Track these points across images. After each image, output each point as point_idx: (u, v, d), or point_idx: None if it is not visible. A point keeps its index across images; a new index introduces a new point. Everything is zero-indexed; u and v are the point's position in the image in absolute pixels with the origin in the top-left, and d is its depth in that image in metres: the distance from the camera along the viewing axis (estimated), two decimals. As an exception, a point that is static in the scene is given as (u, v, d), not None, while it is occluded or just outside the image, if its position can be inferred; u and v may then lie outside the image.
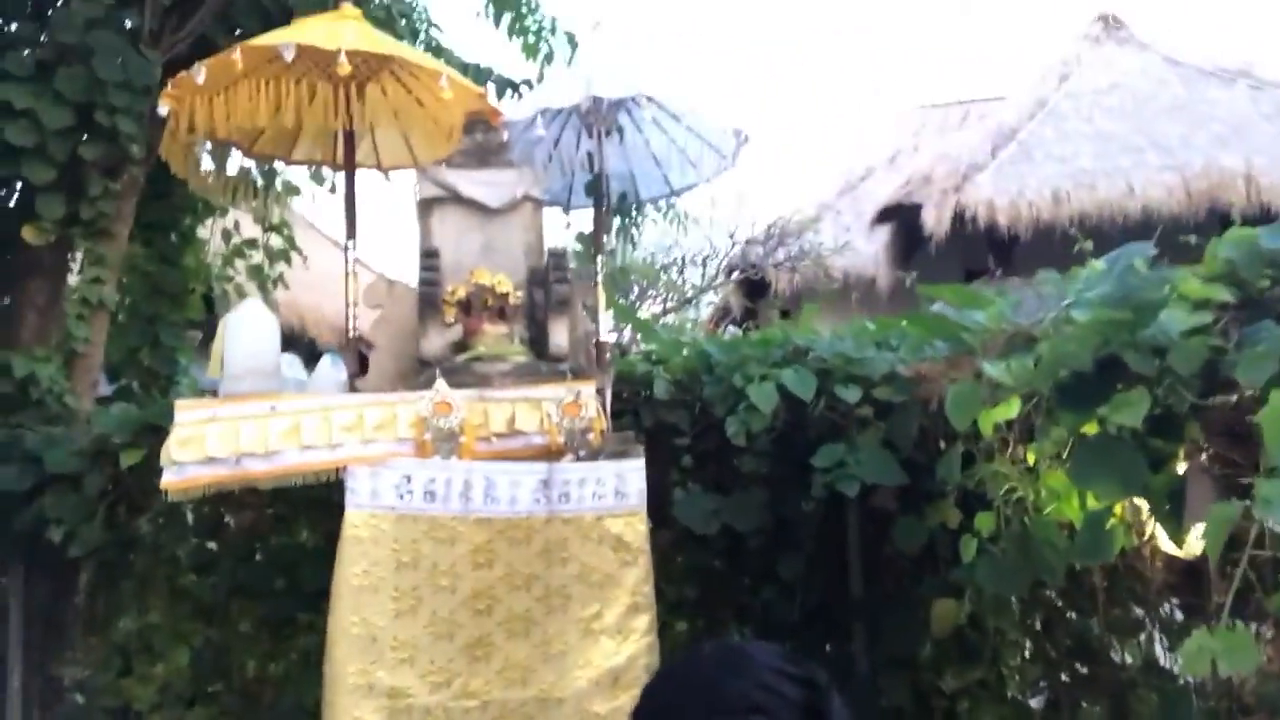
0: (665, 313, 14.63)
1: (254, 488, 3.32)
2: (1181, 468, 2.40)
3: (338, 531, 3.08)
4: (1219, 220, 10.93)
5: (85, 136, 4.93)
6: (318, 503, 4.10)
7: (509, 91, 5.88)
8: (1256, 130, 12.43)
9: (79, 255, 5.39)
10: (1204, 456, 2.34)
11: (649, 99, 3.60)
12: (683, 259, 14.50)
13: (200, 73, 3.23)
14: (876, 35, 46.29)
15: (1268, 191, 11.38)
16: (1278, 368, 2.02)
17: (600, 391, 3.43)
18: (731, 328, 12.79)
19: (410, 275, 3.60)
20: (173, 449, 2.94)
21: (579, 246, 4.59)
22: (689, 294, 15.00)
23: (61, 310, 5.33)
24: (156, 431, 4.24)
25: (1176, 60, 14.08)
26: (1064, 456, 2.62)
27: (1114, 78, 13.98)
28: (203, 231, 6.30)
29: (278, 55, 3.23)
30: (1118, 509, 2.56)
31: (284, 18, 5.61)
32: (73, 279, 5.44)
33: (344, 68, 3.20)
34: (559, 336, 3.43)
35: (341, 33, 3.28)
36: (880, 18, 45.40)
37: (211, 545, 4.38)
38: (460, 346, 3.45)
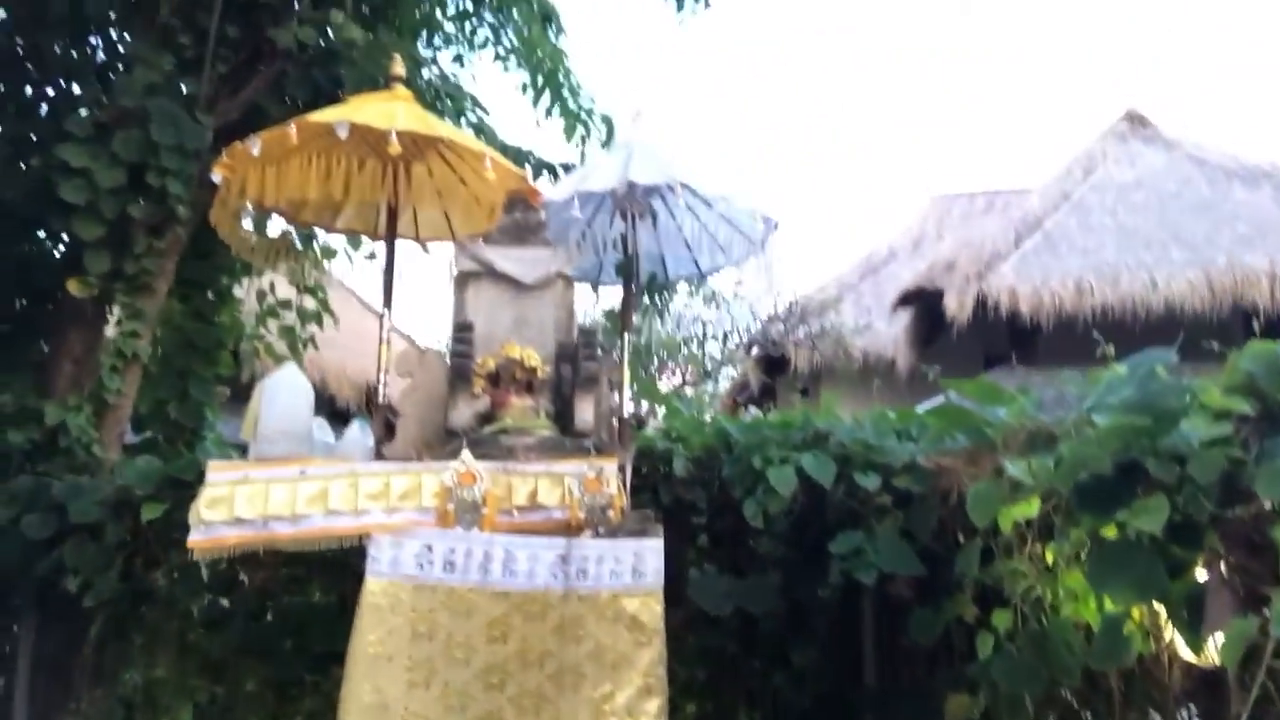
0: (684, 385, 14.71)
1: (273, 550, 3.36)
2: (1201, 576, 2.41)
3: (350, 595, 3.11)
4: (1243, 318, 10.94)
5: (135, 195, 5.10)
6: (332, 565, 4.15)
7: (545, 173, 6.05)
8: (1281, 233, 12.50)
9: (116, 308, 5.53)
10: (1224, 566, 2.35)
11: (683, 185, 3.70)
12: (704, 332, 14.66)
13: (255, 144, 3.38)
14: (907, 122, 47.06)
15: (1294, 296, 11.39)
16: (1294, 484, 2.05)
17: (621, 468, 3.47)
18: (751, 406, 12.82)
19: (433, 341, 3.69)
20: (202, 509, 3.00)
21: (607, 323, 4.67)
22: (709, 368, 15.10)
23: (96, 361, 5.45)
24: (179, 485, 4.31)
25: (1201, 159, 14.24)
26: (1082, 558, 2.63)
27: (1139, 173, 14.14)
28: (238, 290, 6.45)
29: (332, 132, 3.37)
30: (1135, 614, 2.56)
31: (333, 89, 5.85)
32: (109, 330, 5.57)
33: (395, 147, 3.33)
34: (585, 412, 3.49)
35: (394, 113, 3.42)
36: (911, 105, 46.23)
37: (224, 602, 4.40)
38: (487, 418, 3.51)
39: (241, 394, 7.07)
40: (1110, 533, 2.48)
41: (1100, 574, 2.46)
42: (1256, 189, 13.45)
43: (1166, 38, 43.63)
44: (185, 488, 4.29)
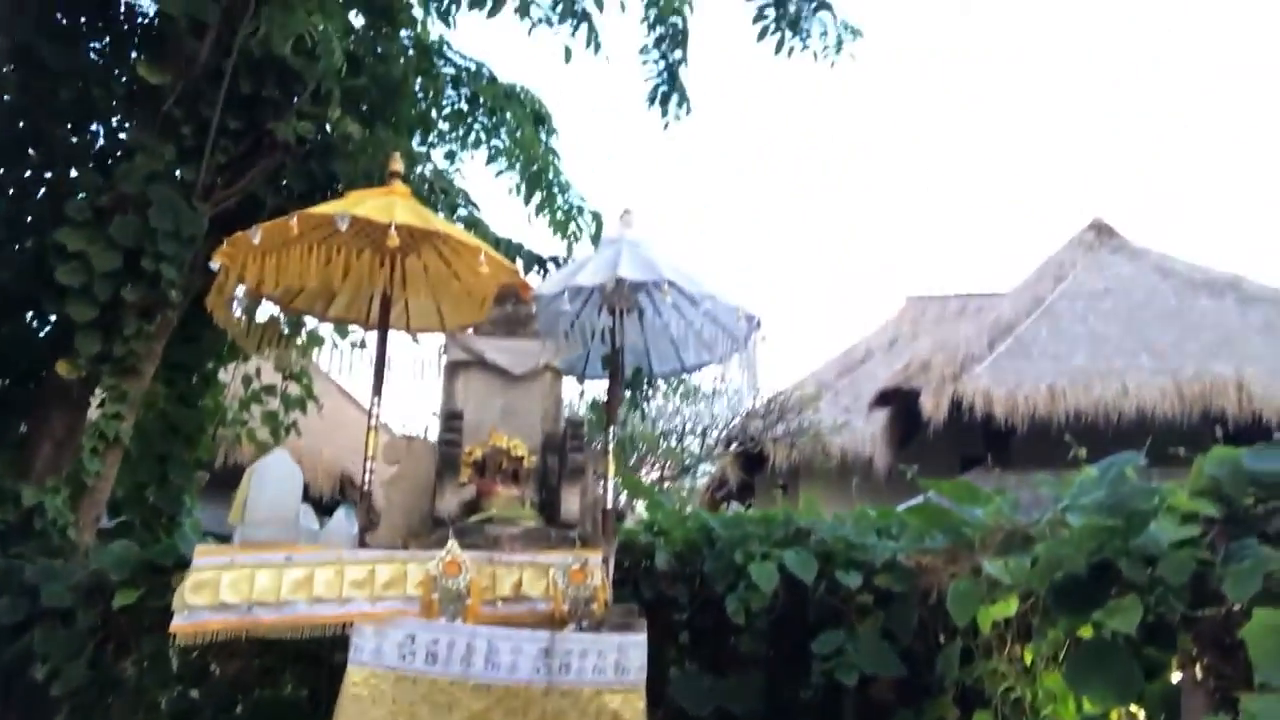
0: (663, 480, 14.69)
1: (245, 637, 3.33)
2: (1175, 677, 2.45)
3: (323, 689, 3.07)
4: (1211, 425, 11.16)
5: (129, 279, 5.17)
6: (306, 657, 4.09)
7: (536, 266, 6.20)
8: (1247, 341, 12.87)
9: (100, 390, 5.54)
10: (1197, 667, 2.40)
11: (671, 284, 3.81)
12: (683, 427, 14.71)
13: (257, 234, 3.47)
14: (883, 224, 48.36)
15: (1259, 400, 11.67)
16: (1262, 585, 2.11)
17: (605, 560, 3.49)
18: (732, 502, 12.83)
19: (414, 430, 3.73)
20: (187, 593, 2.99)
21: (592, 415, 4.73)
22: (687, 462, 15.11)
23: (77, 443, 5.43)
24: (156, 571, 4.27)
25: (1168, 269, 14.72)
26: (1060, 658, 2.67)
27: (1108, 282, 14.57)
28: (222, 374, 6.48)
29: (332, 224, 3.48)
30: (1114, 715, 2.59)
31: (329, 182, 6.01)
32: (91, 412, 5.57)
33: (393, 240, 3.44)
34: (570, 503, 3.52)
35: (393, 208, 3.54)
36: (887, 207, 47.61)
37: (194, 693, 4.31)
38: (472, 507, 3.53)
39: (219, 481, 7.04)
40: (1086, 633, 2.53)
41: (1078, 675, 2.50)
42: (1221, 299, 13.88)
43: (1130, 147, 45.41)
44: (161, 574, 4.25)
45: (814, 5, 6.04)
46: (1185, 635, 2.39)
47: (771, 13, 6.07)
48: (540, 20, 6.64)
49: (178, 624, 2.99)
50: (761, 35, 6.07)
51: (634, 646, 3.18)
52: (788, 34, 6.04)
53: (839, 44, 6.00)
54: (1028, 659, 2.85)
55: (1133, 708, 2.55)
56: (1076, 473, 2.94)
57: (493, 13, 6.42)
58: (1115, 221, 15.85)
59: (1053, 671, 2.75)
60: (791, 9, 6.03)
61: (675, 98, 6.50)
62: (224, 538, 3.95)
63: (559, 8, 6.62)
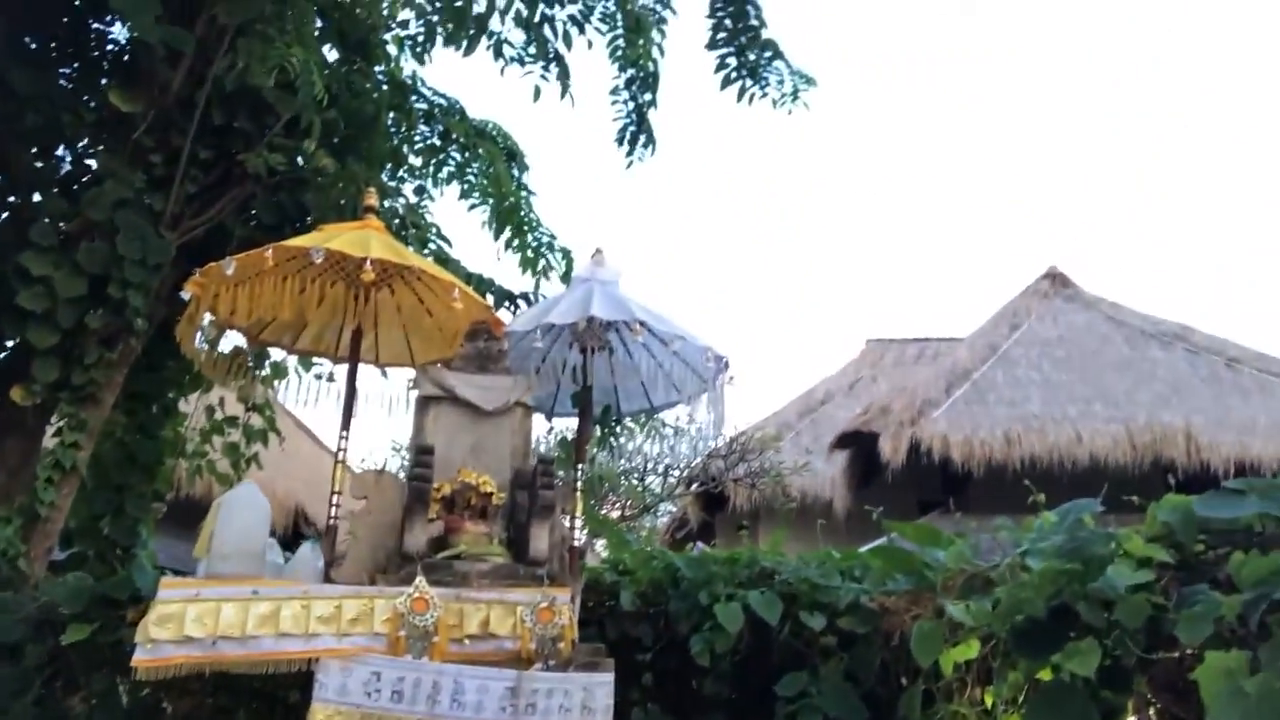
0: (624, 518, 14.64)
1: (199, 674, 3.28)
2: (1131, 720, 2.52)
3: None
4: (1163, 473, 11.43)
5: (93, 306, 5.11)
6: (260, 695, 4.01)
7: (506, 303, 6.23)
8: (1195, 392, 13.22)
9: (57, 418, 5.44)
10: (1152, 710, 2.46)
11: (641, 323, 3.87)
12: (645, 465, 14.70)
13: (230, 265, 3.47)
14: (847, 268, 49.08)
15: (1206, 450, 11.98)
16: (1213, 629, 2.19)
17: (572, 599, 3.49)
18: (698, 543, 12.82)
19: (376, 463, 3.72)
20: (150, 627, 2.94)
21: (560, 453, 4.74)
22: (648, 501, 15.08)
23: (32, 472, 5.32)
24: (109, 605, 4.16)
25: (1120, 319, 15.11)
26: (1020, 701, 2.72)
27: (1061, 331, 14.92)
28: (183, 405, 6.39)
29: (306, 256, 3.49)
30: (1072, 757, 2.63)
31: (299, 214, 6.01)
32: (47, 440, 5.46)
33: (368, 274, 3.46)
34: (540, 541, 3.52)
35: (368, 242, 3.56)
36: (852, 253, 48.42)
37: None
38: (440, 543, 3.53)
39: (174, 513, 6.90)
40: (1046, 675, 2.58)
41: (1037, 717, 2.55)
42: (1170, 350, 14.26)
43: (1084, 197, 46.64)
44: (115, 607, 4.14)
45: (769, 55, 6.23)
46: (1141, 678, 2.46)
47: (733, 61, 6.24)
48: (513, 59, 6.74)
49: (139, 658, 2.94)
50: (725, 84, 6.23)
51: (600, 686, 3.18)
52: (748, 82, 6.22)
53: (795, 92, 6.19)
54: (989, 702, 2.90)
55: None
56: (1035, 518, 3.02)
57: (468, 51, 6.51)
58: (1070, 269, 16.30)
59: (1012, 714, 2.80)
60: (751, 58, 6.21)
61: (643, 138, 6.62)
62: (180, 571, 3.88)
63: (531, 48, 6.73)
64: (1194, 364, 13.91)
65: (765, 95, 6.21)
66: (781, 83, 6.22)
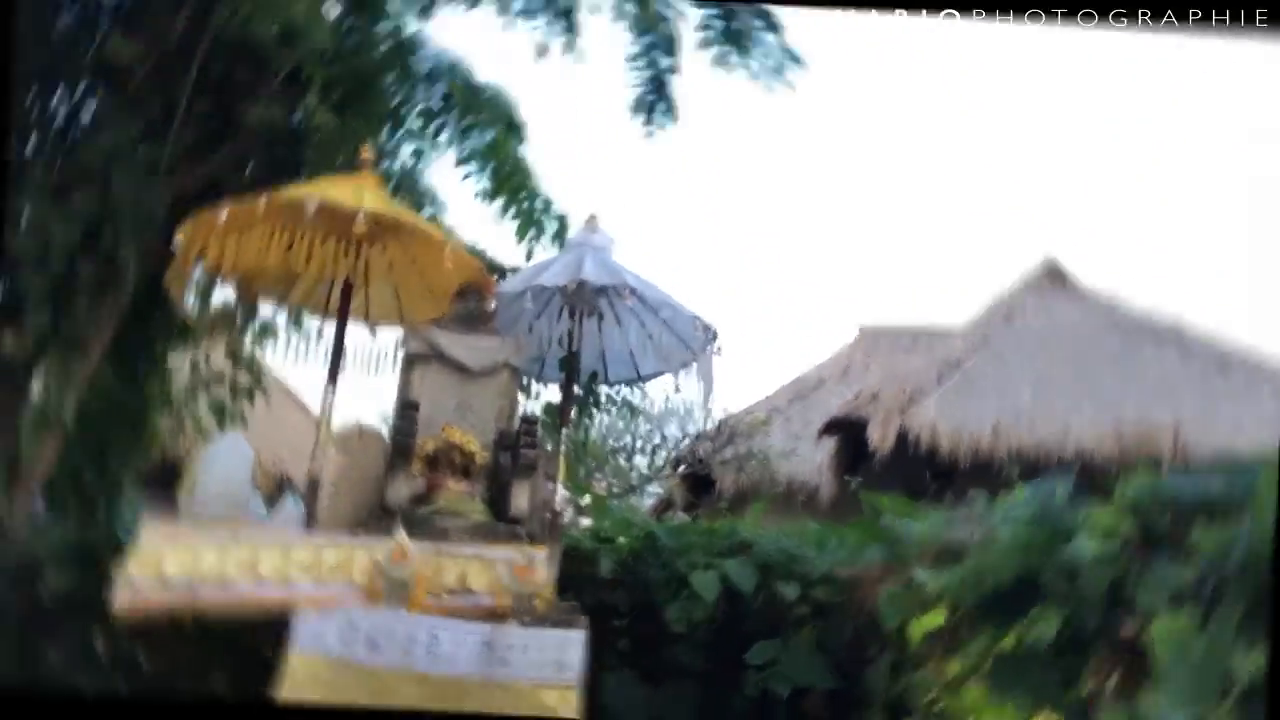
0: (610, 497, 14.63)
1: (178, 626, 3.27)
2: (1090, 685, 2.54)
3: (255, 681, 2.99)
4: (1149, 469, 11.46)
5: (85, 253, 5.08)
6: (237, 649, 3.96)
7: (497, 276, 6.15)
8: (1185, 392, 13.23)
9: (43, 368, 5.40)
10: (1112, 676, 2.49)
11: (631, 290, 3.88)
12: (632, 445, 14.68)
13: (222, 214, 3.46)
14: (845, 252, 48.99)
15: (1193, 450, 12.00)
16: (1170, 597, 2.23)
17: (550, 559, 3.51)
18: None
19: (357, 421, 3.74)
20: (130, 566, 2.95)
21: (545, 417, 4.76)
22: (634, 481, 15.09)
23: (14, 423, 5.29)
24: (89, 556, 4.14)
25: (1113, 314, 15.09)
26: (984, 670, 2.75)
27: (1054, 323, 14.90)
28: (170, 361, 6.34)
29: (299, 207, 3.48)
30: (1033, 721, 2.66)
31: (294, 170, 5.95)
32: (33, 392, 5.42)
33: (361, 227, 3.45)
34: (520, 500, 3.55)
35: (362, 194, 3.55)
36: (850, 238, 48.31)
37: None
38: (421, 499, 3.55)
39: (156, 474, 6.85)
40: (1009, 644, 2.61)
41: (1000, 683, 2.59)
42: (1163, 347, 14.26)
43: (1084, 188, 46.53)
44: (95, 559, 4.13)
45: (761, 25, 5.97)
46: (1101, 644, 2.49)
47: (719, 24, 6.00)
48: (519, 13, 6.51)
49: (120, 600, 2.95)
50: (703, 45, 5.96)
51: (573, 644, 3.21)
52: (729, 48, 5.94)
53: (779, 68, 5.92)
54: (956, 671, 2.93)
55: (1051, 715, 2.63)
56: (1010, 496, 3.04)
57: (473, 4, 6.36)
58: (1067, 261, 16.24)
59: (976, 683, 2.83)
60: (739, 24, 5.94)
61: (662, 105, 6.40)
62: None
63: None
64: (1186, 363, 13.92)
65: (745, 65, 5.91)
66: (767, 56, 5.96)
